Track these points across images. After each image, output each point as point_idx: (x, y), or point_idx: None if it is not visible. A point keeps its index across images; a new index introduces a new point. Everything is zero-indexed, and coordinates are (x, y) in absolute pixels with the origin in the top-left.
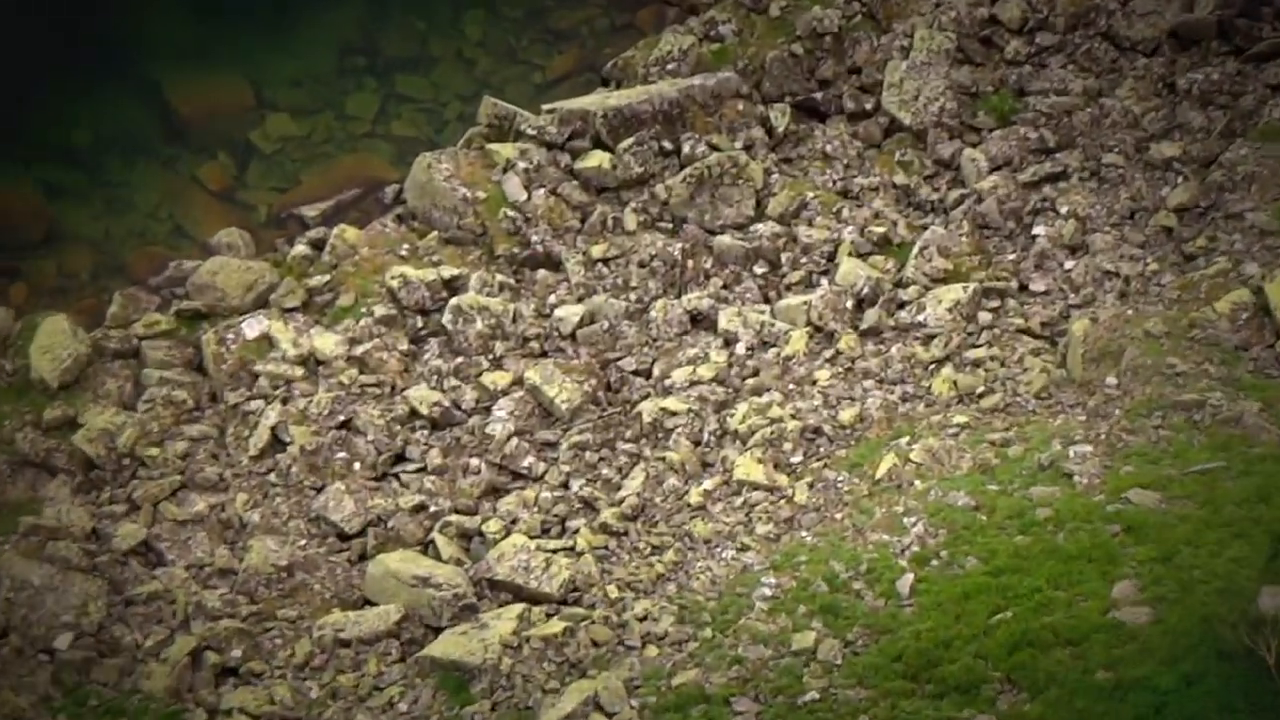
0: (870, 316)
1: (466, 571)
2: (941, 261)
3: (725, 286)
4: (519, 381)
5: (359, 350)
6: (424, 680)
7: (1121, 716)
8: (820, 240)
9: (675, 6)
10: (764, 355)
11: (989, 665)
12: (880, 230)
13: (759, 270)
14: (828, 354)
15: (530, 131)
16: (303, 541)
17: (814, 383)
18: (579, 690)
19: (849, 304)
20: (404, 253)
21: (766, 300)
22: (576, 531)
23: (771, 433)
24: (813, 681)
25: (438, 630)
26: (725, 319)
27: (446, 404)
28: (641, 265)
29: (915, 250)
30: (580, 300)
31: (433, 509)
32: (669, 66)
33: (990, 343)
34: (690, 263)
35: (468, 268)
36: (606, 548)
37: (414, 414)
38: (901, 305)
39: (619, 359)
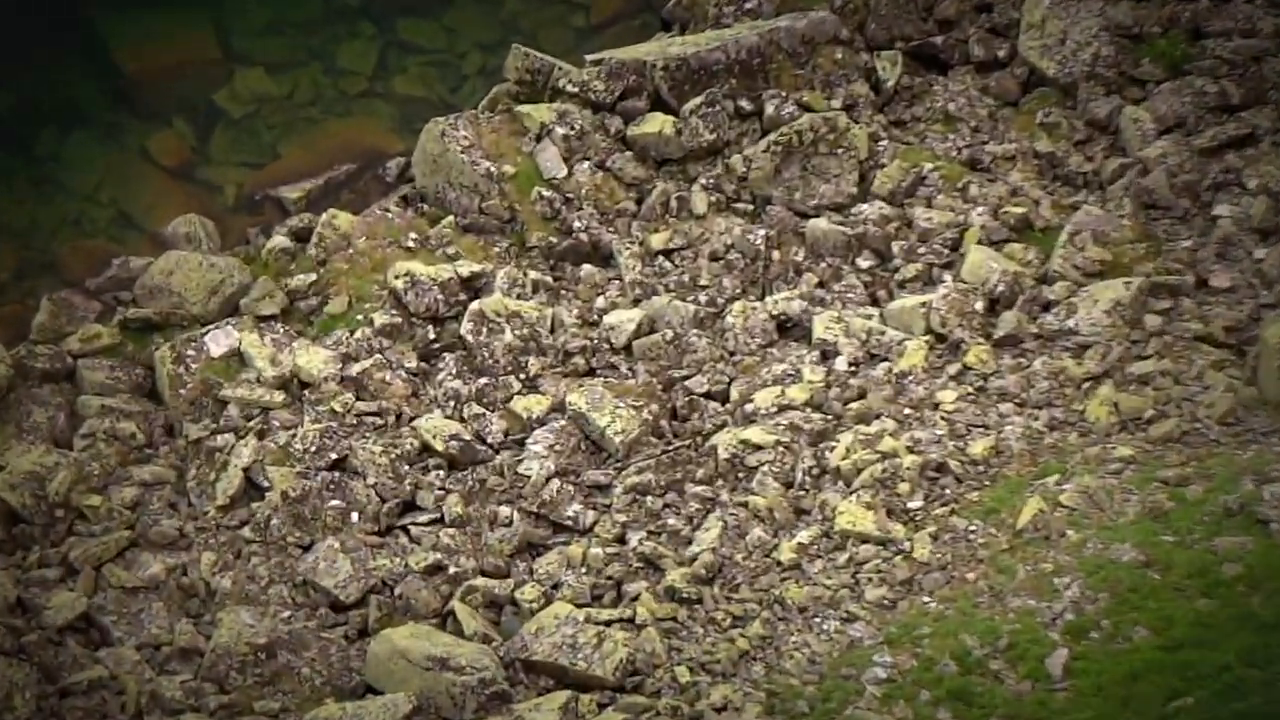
0: (1007, 321)
1: (496, 650)
2: (1097, 251)
3: (821, 284)
4: (560, 408)
5: (355, 369)
6: None
7: None
8: (942, 225)
9: None
10: (872, 372)
11: None
12: (1018, 211)
13: (864, 263)
14: (953, 370)
15: (571, 89)
16: (287, 613)
17: (936, 406)
18: None
19: (979, 305)
20: (411, 244)
21: (874, 301)
22: (636, 598)
23: (883, 471)
24: None
25: None
26: (821, 326)
27: (467, 437)
28: (714, 258)
29: (1063, 237)
30: (636, 303)
31: (452, 571)
32: (747, 5)
33: (1160, 353)
34: (776, 254)
35: (492, 263)
36: (674, 619)
37: (426, 450)
38: (1047, 307)
39: (686, 378)
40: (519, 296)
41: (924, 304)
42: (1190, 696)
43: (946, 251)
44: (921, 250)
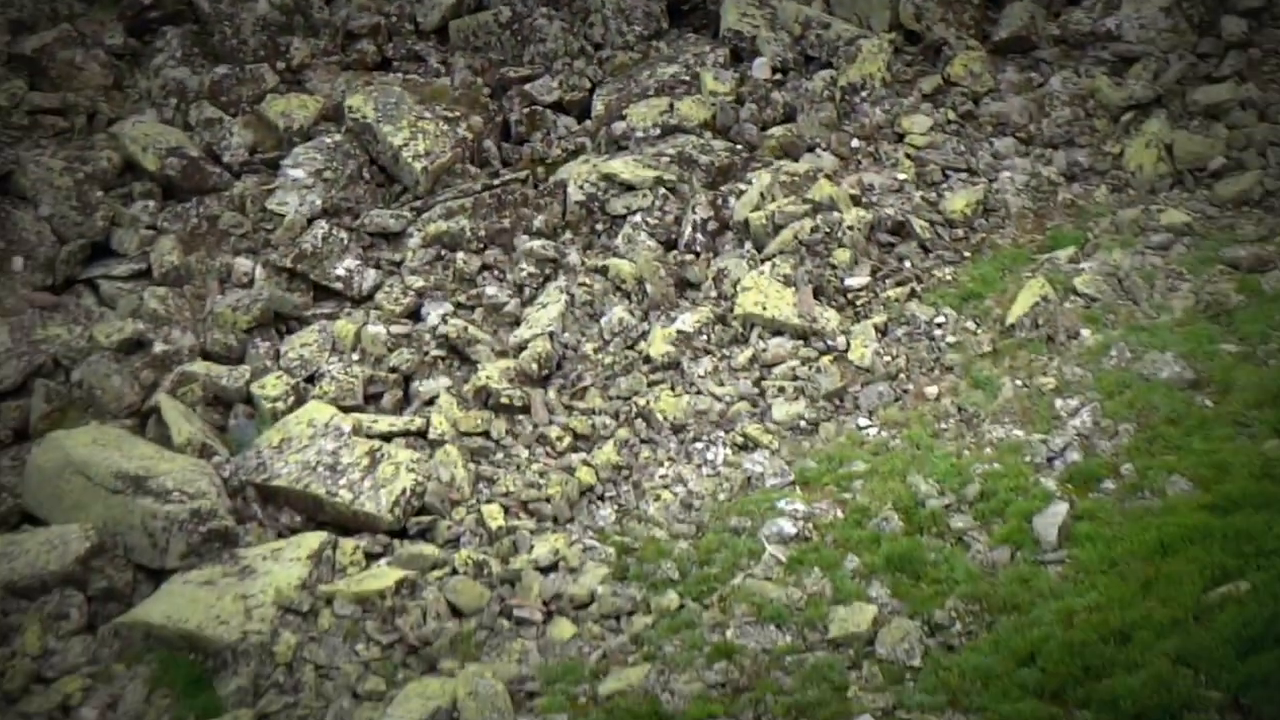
0: (1013, 16)
1: (219, 469)
2: None
3: None
4: (334, 115)
5: (32, 43)
6: (130, 667)
7: None
8: None
9: None
10: (805, 83)
11: (1202, 678)
12: None
13: None
14: (928, 86)
15: None
16: None
17: (900, 138)
18: (423, 696)
19: None
20: None
21: None
22: (431, 402)
23: (812, 229)
24: (866, 699)
25: (158, 576)
26: (735, 12)
27: (193, 153)
28: None
29: None
30: None
31: (159, 349)
32: None
33: (1243, 74)
34: None
35: None
36: (486, 434)
37: (130, 169)
38: None
39: (528, 79)
40: None
41: None
42: (1243, 581)
43: None
44: None
